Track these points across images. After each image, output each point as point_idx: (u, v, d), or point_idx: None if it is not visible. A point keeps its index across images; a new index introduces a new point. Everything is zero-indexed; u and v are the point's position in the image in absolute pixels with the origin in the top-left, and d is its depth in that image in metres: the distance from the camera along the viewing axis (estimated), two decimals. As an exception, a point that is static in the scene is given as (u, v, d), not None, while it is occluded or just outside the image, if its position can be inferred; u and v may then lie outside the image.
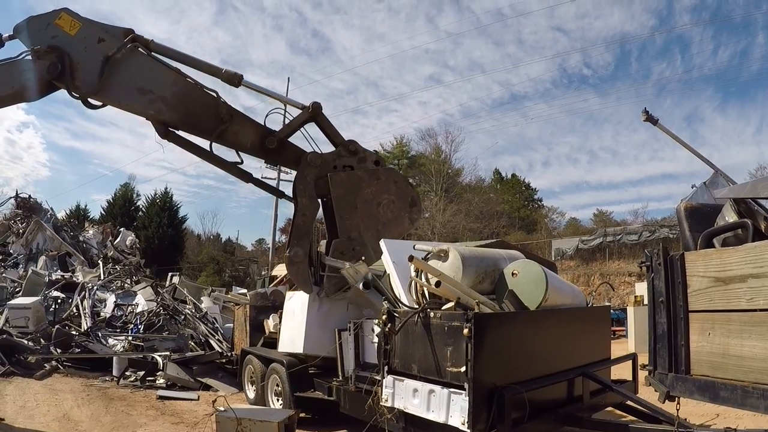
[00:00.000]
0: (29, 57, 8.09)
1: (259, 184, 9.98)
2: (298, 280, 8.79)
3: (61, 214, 34.93)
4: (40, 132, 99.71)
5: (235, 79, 8.79)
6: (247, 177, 9.67)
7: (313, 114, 9.03)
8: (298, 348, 8.60)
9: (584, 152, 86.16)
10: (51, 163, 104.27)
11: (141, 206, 62.71)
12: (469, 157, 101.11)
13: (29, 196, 29.94)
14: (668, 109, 71.71)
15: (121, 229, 32.91)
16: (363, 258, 8.40)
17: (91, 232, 31.40)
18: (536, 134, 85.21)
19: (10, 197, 30.99)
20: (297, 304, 9.01)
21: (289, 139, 9.25)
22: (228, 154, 9.44)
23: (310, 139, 9.24)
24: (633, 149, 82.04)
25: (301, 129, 9.22)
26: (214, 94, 8.76)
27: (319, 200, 9.16)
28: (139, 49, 8.48)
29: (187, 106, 8.61)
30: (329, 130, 9.18)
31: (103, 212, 59.64)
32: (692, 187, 9.80)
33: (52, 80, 8.15)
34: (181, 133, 9.07)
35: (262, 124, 9.09)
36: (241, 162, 9.42)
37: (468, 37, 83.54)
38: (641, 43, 71.95)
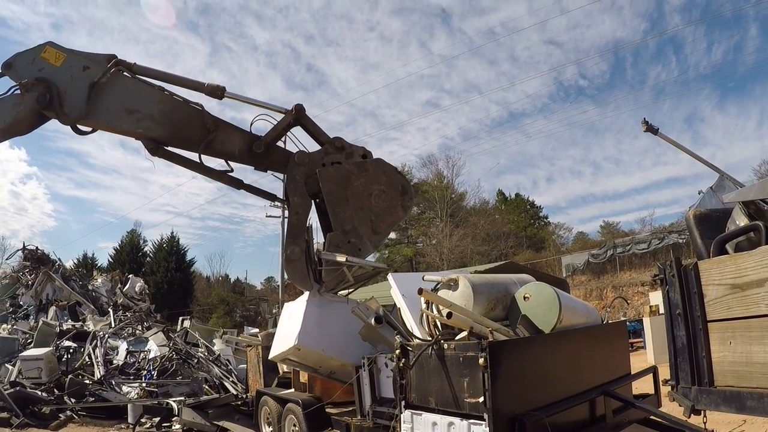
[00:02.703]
0: (18, 92, 8.36)
1: (251, 189, 9.98)
2: (297, 277, 8.77)
3: (69, 264, 35.04)
4: (44, 183, 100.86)
5: (218, 92, 8.94)
6: (237, 184, 9.74)
7: (297, 116, 9.10)
8: (291, 341, 8.33)
9: (587, 164, 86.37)
10: (56, 213, 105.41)
11: (148, 252, 63.20)
12: (471, 180, 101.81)
13: (36, 247, 29.98)
14: (667, 112, 72.02)
15: (130, 275, 32.96)
16: (359, 249, 8.50)
17: (99, 280, 31.43)
18: (538, 150, 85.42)
19: (18, 249, 31.03)
20: (295, 305, 8.90)
21: (279, 145, 9.35)
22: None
23: (298, 142, 9.33)
24: (636, 156, 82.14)
25: (289, 134, 9.38)
26: (199, 107, 8.92)
27: (313, 200, 9.17)
28: (124, 72, 8.71)
29: (173, 121, 8.79)
30: (314, 130, 9.25)
31: (110, 260, 60.01)
32: (699, 193, 9.76)
33: (42, 110, 8.37)
34: (170, 148, 9.18)
35: (248, 131, 9.15)
36: (231, 170, 9.50)
37: (462, 59, 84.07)
38: (635, 49, 72.33)
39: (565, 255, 47.38)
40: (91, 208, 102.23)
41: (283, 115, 9.16)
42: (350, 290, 9.25)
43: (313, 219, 9.25)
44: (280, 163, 9.21)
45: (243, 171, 9.56)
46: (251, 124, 9.19)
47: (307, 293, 8.63)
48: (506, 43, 78.80)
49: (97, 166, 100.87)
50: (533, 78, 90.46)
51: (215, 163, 9.51)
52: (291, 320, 8.76)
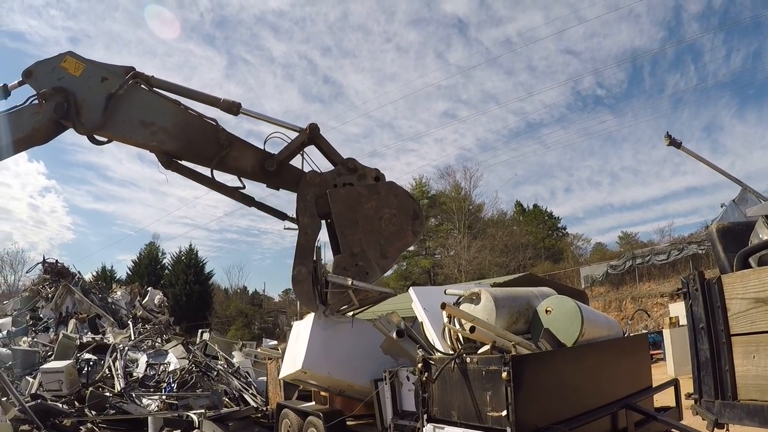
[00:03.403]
0: (36, 102, 8.45)
1: (262, 207, 9.99)
2: (303, 298, 8.79)
3: (88, 277, 35.28)
4: (62, 196, 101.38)
5: (234, 108, 9.01)
6: (249, 201, 9.78)
7: (311, 135, 9.12)
8: (297, 364, 8.43)
9: (605, 174, 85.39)
10: (75, 226, 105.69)
11: (167, 264, 63.28)
12: (489, 191, 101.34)
13: (56, 260, 30.14)
14: (686, 121, 71.44)
15: (149, 288, 33.07)
16: (367, 273, 8.46)
17: (119, 293, 31.59)
18: (555, 161, 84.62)
19: (38, 263, 31.24)
20: (302, 325, 8.94)
21: (291, 163, 9.33)
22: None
23: (311, 161, 9.33)
24: (654, 166, 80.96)
25: (303, 152, 9.32)
26: (213, 123, 8.97)
27: (324, 221, 9.18)
28: (141, 85, 8.80)
29: (187, 135, 8.84)
30: (328, 150, 9.25)
31: (129, 272, 60.27)
32: (721, 206, 9.70)
33: (60, 119, 8.46)
34: (183, 162, 9.27)
35: (261, 148, 9.17)
36: (243, 187, 9.53)
37: (479, 70, 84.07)
38: (653, 57, 71.41)
39: (583, 266, 47.07)
40: (109, 220, 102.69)
41: (298, 134, 9.20)
42: (356, 312, 9.21)
43: (324, 239, 9.28)
44: (292, 182, 9.19)
45: (259, 187, 9.57)
46: (265, 142, 9.23)
47: (312, 314, 8.67)
48: (523, 52, 78.43)
49: (115, 179, 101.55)
50: (551, 88, 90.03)
51: (227, 179, 9.56)
52: (298, 342, 8.83)
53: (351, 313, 8.98)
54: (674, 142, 10.77)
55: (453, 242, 53.37)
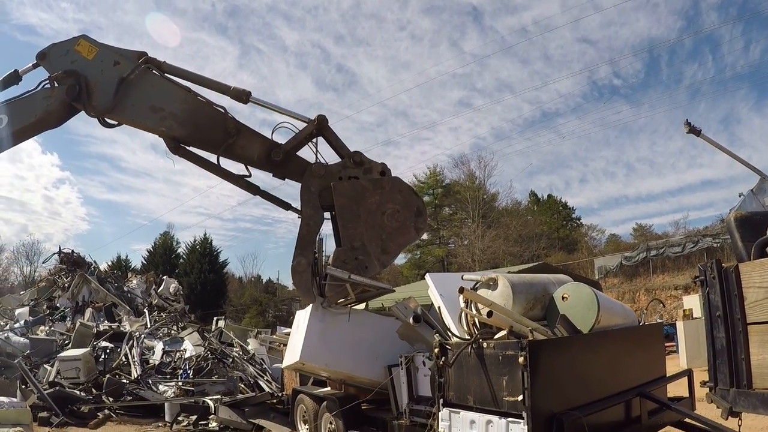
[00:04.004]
0: (47, 86, 8.58)
1: (266, 196, 9.97)
2: (302, 289, 8.80)
3: (103, 266, 35.51)
4: (76, 187, 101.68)
5: (243, 96, 8.98)
6: (254, 190, 9.74)
7: (319, 127, 9.09)
8: (295, 357, 8.50)
9: (621, 165, 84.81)
10: (89, 216, 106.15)
11: (181, 253, 63.68)
12: (504, 181, 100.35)
13: (72, 250, 30.40)
14: (703, 113, 70.45)
15: (164, 277, 33.28)
16: (366, 267, 8.43)
17: (134, 281, 31.83)
18: (571, 151, 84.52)
19: (54, 253, 31.53)
20: (302, 315, 8.96)
21: (299, 154, 9.32)
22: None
23: (318, 153, 9.28)
24: (670, 158, 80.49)
25: (309, 144, 9.28)
26: (222, 110, 9.00)
27: (328, 213, 9.13)
28: (152, 70, 8.86)
29: (196, 121, 8.87)
30: (335, 143, 9.21)
31: (144, 262, 60.55)
32: (740, 196, 9.62)
33: (72, 102, 8.56)
34: (191, 148, 9.28)
35: (269, 138, 9.18)
36: (249, 175, 9.50)
37: (494, 58, 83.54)
38: (670, 47, 70.63)
39: (597, 257, 47.02)
40: (123, 211, 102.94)
41: (306, 125, 9.19)
42: (353, 304, 9.20)
43: (328, 231, 9.27)
44: (298, 173, 9.17)
45: (269, 176, 9.56)
46: (273, 131, 9.23)
47: (311, 306, 8.69)
48: (539, 41, 77.70)
49: (129, 169, 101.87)
50: (566, 77, 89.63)
51: (234, 167, 9.55)
52: (297, 332, 8.88)
53: (348, 305, 8.96)
54: (694, 130, 10.68)
55: (467, 231, 53.31)
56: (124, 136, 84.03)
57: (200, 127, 8.89)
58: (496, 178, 79.23)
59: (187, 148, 9.23)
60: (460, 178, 58.70)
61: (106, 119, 8.90)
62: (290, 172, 9.29)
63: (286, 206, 9.72)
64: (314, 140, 9.28)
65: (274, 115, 9.19)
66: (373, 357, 8.38)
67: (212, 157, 9.25)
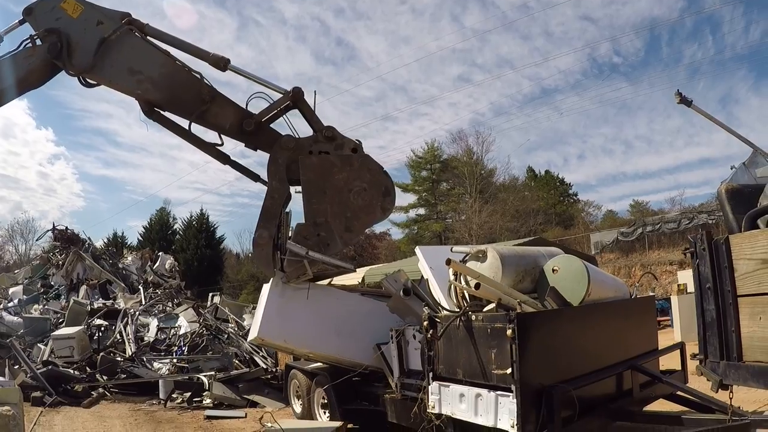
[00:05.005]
0: (29, 45, 8.58)
1: (236, 166, 9.89)
2: (262, 262, 8.72)
3: (98, 243, 35.43)
4: (72, 163, 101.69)
5: (221, 63, 8.87)
6: (224, 159, 9.65)
7: (294, 99, 8.92)
8: (253, 333, 8.50)
9: (619, 142, 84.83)
10: (85, 193, 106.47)
11: (178, 229, 63.58)
12: (501, 156, 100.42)
13: (66, 227, 30.28)
14: (702, 92, 70.05)
15: (160, 253, 33.17)
16: (328, 244, 8.33)
17: (129, 258, 31.74)
18: (569, 127, 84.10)
19: (48, 230, 31.43)
20: (265, 289, 8.91)
21: (275, 127, 9.21)
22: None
23: (291, 126, 9.16)
24: (668, 136, 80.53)
25: (285, 117, 9.17)
26: (198, 76, 8.92)
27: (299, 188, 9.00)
28: (135, 33, 8.79)
29: (171, 86, 8.80)
30: (310, 117, 9.03)
31: (140, 238, 60.59)
32: (731, 168, 9.57)
33: (53, 59, 8.53)
34: (166, 113, 9.27)
35: (243, 107, 9.05)
36: (221, 144, 9.43)
37: (495, 34, 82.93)
38: (671, 27, 70.33)
39: (594, 232, 47.11)
40: (119, 187, 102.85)
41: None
42: (312, 281, 9.01)
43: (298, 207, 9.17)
44: (269, 144, 9.02)
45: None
46: (248, 102, 9.08)
47: (271, 280, 8.64)
48: (540, 17, 77.40)
49: (125, 144, 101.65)
50: (567, 54, 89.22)
51: (208, 136, 9.49)
52: (259, 307, 8.86)
53: (308, 282, 8.77)
54: (684, 100, 10.62)
55: (464, 207, 53.38)
56: (120, 110, 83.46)
57: (175, 92, 8.83)
58: (494, 153, 79.45)
59: (161, 112, 9.20)
60: (458, 154, 58.58)
61: (87, 79, 8.88)
62: (261, 143, 9.17)
63: (255, 177, 9.63)
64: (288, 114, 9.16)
65: (257, 87, 9.04)
66: (334, 333, 8.37)
67: (186, 123, 9.16)
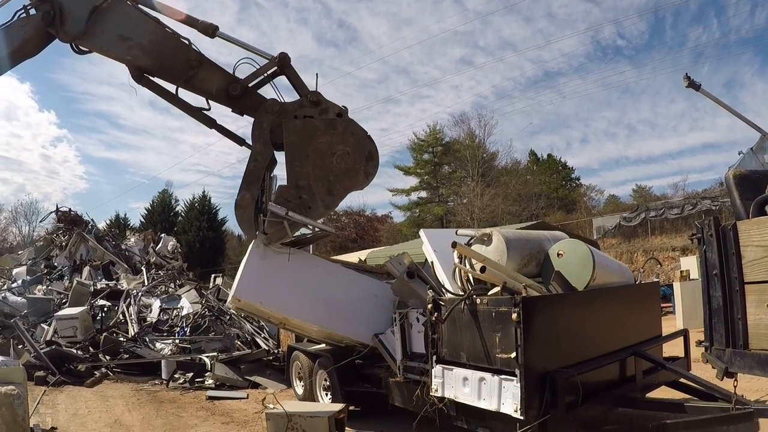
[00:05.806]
0: (23, 16, 8.68)
1: (222, 130, 9.92)
2: (243, 225, 8.74)
3: (101, 225, 35.47)
4: (74, 145, 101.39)
5: (209, 30, 8.94)
6: (210, 123, 9.70)
7: (281, 64, 8.97)
8: (230, 294, 8.53)
9: (622, 126, 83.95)
10: (87, 175, 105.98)
11: (180, 211, 63.53)
12: (504, 140, 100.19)
13: (69, 209, 30.28)
14: (706, 75, 69.58)
15: (162, 235, 33.18)
16: (309, 207, 8.36)
17: (132, 239, 31.77)
18: (572, 111, 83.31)
19: (51, 212, 31.46)
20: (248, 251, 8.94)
21: (260, 92, 9.27)
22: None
23: (277, 90, 9.23)
24: (672, 120, 79.55)
25: (272, 84, 9.25)
26: (187, 41, 8.98)
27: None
28: (126, 1, 8.87)
29: (160, 52, 8.88)
30: (296, 82, 9.07)
31: (142, 220, 60.59)
32: (739, 154, 9.54)
33: (47, 27, 8.62)
34: (155, 79, 9.32)
35: (230, 73, 9.11)
36: (208, 109, 9.46)
37: (497, 16, 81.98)
38: (675, 9, 69.74)
39: (596, 217, 47.01)
40: (122, 169, 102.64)
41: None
42: (299, 246, 9.16)
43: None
44: (255, 109, 9.07)
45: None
46: (235, 67, 9.14)
47: (252, 242, 8.67)
48: (544, -1, 77.06)
49: (127, 127, 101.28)
50: (570, 36, 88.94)
51: (195, 101, 9.55)
52: (240, 269, 8.84)
53: (289, 245, 8.85)
54: (693, 84, 10.56)
55: (466, 190, 53.17)
56: (122, 93, 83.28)
57: (164, 58, 8.90)
58: (497, 137, 79.22)
59: (150, 78, 9.26)
60: (460, 137, 58.36)
61: (79, 46, 8.97)
62: (247, 108, 9.19)
63: (241, 142, 9.68)
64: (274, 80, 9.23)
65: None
66: (311, 300, 8.37)
67: (174, 88, 9.23)
